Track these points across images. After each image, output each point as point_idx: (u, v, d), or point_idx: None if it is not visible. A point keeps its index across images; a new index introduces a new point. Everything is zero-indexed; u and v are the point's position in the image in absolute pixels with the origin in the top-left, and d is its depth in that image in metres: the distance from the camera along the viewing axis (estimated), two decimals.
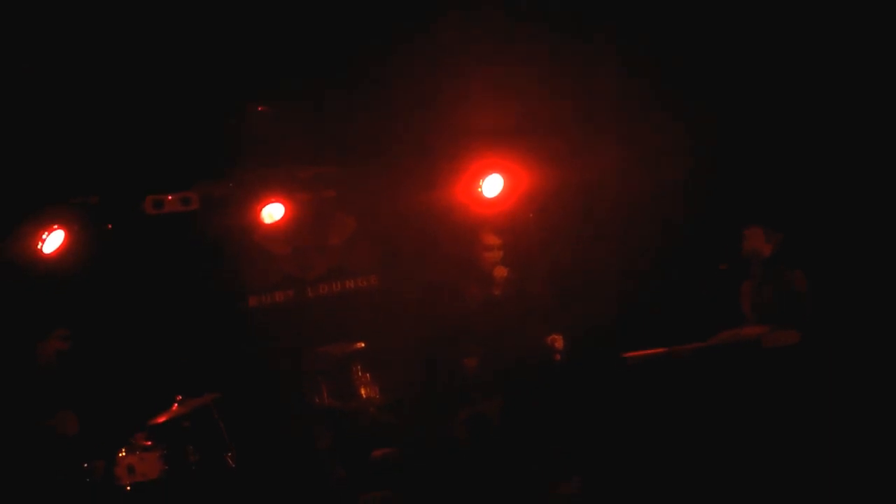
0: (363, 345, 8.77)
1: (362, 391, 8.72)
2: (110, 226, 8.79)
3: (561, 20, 7.43)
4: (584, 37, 7.45)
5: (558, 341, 7.64)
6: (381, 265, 9.94)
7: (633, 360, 7.20)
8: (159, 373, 8.62)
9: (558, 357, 7.64)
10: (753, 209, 7.58)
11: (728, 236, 7.44)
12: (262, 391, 9.20)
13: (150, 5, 6.88)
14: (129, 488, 7.70)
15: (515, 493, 7.42)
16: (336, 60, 7.62)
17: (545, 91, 7.99)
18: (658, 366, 7.12)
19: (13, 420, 7.62)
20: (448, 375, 7.88)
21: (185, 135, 8.15)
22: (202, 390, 8.26)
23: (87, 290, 8.95)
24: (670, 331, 7.38)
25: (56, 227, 8.53)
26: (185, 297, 9.27)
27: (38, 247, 8.50)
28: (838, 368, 6.88)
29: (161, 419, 7.97)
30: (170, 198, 8.65)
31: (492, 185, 8.71)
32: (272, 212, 9.10)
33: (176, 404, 8.09)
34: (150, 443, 7.92)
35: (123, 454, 7.77)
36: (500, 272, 7.93)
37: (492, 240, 7.95)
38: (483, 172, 8.69)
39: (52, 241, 8.54)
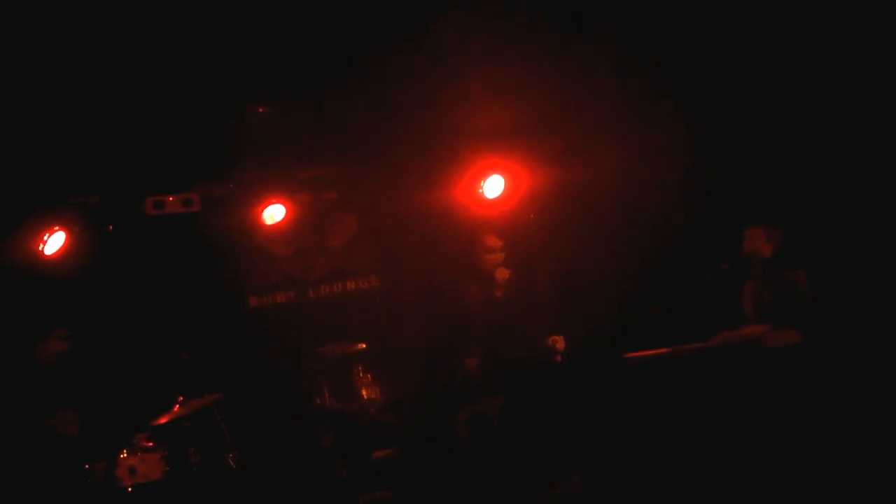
0: (364, 345, 8.77)
1: (363, 392, 8.72)
2: (111, 227, 8.80)
3: (561, 20, 7.42)
4: (584, 37, 7.44)
5: (559, 342, 7.64)
6: (382, 266, 9.94)
7: (633, 360, 7.20)
8: (160, 374, 8.61)
9: (559, 358, 7.64)
10: (753, 209, 7.58)
11: (728, 236, 7.44)
12: (264, 392, 9.20)
13: (150, 5, 6.87)
14: (130, 489, 7.70)
15: (515, 493, 7.42)
16: (336, 60, 7.61)
17: (545, 91, 7.99)
18: (659, 366, 7.12)
19: (13, 420, 7.63)
20: (448, 375, 7.88)
21: (186, 135, 8.16)
22: (203, 391, 8.26)
23: (88, 291, 8.97)
24: (671, 331, 7.38)
25: (57, 228, 8.55)
26: (186, 297, 9.28)
27: (40, 248, 8.52)
28: (839, 369, 6.87)
29: (162, 420, 7.97)
30: (171, 199, 8.66)
31: (492, 186, 8.71)
32: (273, 213, 9.11)
33: (177, 405, 8.09)
34: (151, 444, 7.92)
35: (125, 455, 7.77)
36: (502, 274, 7.94)
37: (493, 241, 7.95)
38: (484, 173, 8.69)
39: (54, 242, 8.55)
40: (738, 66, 7.78)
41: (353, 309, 9.81)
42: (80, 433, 7.88)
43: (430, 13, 7.20)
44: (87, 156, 8.14)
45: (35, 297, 8.58)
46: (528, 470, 7.53)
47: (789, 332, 6.98)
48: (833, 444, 6.63)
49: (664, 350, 7.13)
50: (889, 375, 7.02)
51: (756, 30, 7.51)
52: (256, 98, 8.14)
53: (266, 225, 9.19)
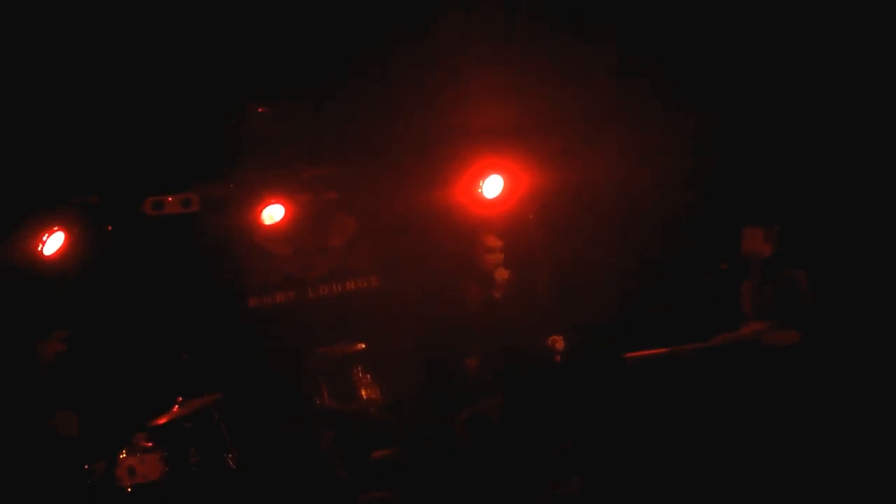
0: (364, 345, 8.76)
1: (363, 392, 8.71)
2: (110, 227, 8.80)
3: (561, 20, 7.42)
4: (584, 37, 7.44)
5: (559, 342, 7.63)
6: (382, 266, 9.93)
7: (633, 360, 7.20)
8: (160, 374, 8.61)
9: (558, 357, 7.64)
10: (753, 209, 7.58)
11: (728, 236, 7.43)
12: (263, 392, 9.20)
13: (150, 6, 6.87)
14: (129, 490, 7.70)
15: (515, 493, 7.42)
16: (336, 60, 7.61)
17: (545, 91, 7.99)
18: (658, 366, 7.12)
19: (13, 420, 7.63)
20: (448, 375, 7.88)
21: (186, 135, 8.16)
22: (203, 391, 8.25)
23: (88, 292, 8.96)
24: (670, 331, 7.39)
25: (56, 228, 8.55)
26: (185, 298, 9.28)
27: (39, 248, 8.52)
28: (838, 368, 6.88)
29: (162, 420, 7.96)
30: (170, 199, 8.65)
31: (492, 186, 8.70)
32: (272, 213, 9.10)
33: (177, 405, 8.08)
34: (150, 444, 7.92)
35: (124, 455, 7.77)
36: (502, 274, 7.93)
37: (493, 242, 7.95)
38: (483, 173, 8.69)
39: (53, 242, 8.55)
40: (738, 65, 7.79)
41: (353, 309, 9.80)
42: (80, 433, 7.88)
43: (430, 13, 7.21)
44: (87, 156, 8.14)
45: (34, 297, 8.58)
46: (527, 470, 7.53)
47: (789, 331, 6.98)
48: (833, 444, 6.63)
49: (664, 350, 7.14)
50: (889, 375, 7.03)
51: (756, 29, 7.52)
52: (256, 98, 8.14)
53: (265, 225, 9.18)
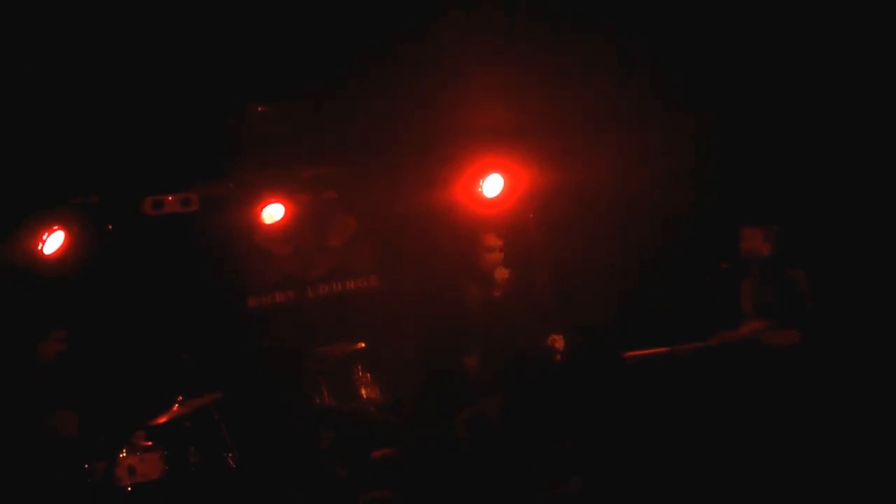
0: (363, 345, 8.77)
1: (363, 391, 8.71)
2: (110, 226, 8.80)
3: (561, 20, 7.42)
4: (584, 37, 7.44)
5: (558, 341, 7.64)
6: (382, 265, 9.93)
7: (633, 359, 7.21)
8: (160, 373, 8.61)
9: (558, 357, 7.64)
10: (753, 209, 7.59)
11: (728, 236, 7.44)
12: (263, 391, 9.20)
13: (150, 5, 6.87)
14: (129, 489, 7.69)
15: (515, 493, 7.42)
16: (336, 60, 7.61)
17: (545, 91, 7.98)
18: (658, 365, 7.13)
19: (13, 420, 7.63)
20: (448, 375, 7.89)
21: (185, 135, 8.15)
22: (203, 390, 8.25)
23: (88, 291, 8.96)
24: (670, 331, 7.39)
25: (56, 227, 8.54)
26: (185, 297, 9.27)
27: (39, 248, 8.52)
28: (838, 368, 6.88)
29: (162, 420, 7.96)
30: (169, 198, 8.65)
31: (492, 185, 8.70)
32: (272, 212, 9.10)
33: (176, 405, 8.08)
34: (150, 443, 7.92)
35: (124, 455, 7.76)
36: (502, 274, 7.94)
37: (493, 241, 7.96)
38: (483, 172, 8.69)
39: (53, 242, 8.55)
40: (737, 66, 7.78)
41: (353, 308, 9.80)
42: (80, 433, 7.88)
43: (430, 13, 7.20)
44: (87, 156, 8.13)
45: (34, 296, 8.58)
46: (527, 470, 7.54)
47: (789, 331, 6.99)
48: (832, 444, 6.64)
49: (663, 349, 7.14)
50: (889, 375, 7.04)
51: (756, 29, 7.52)
52: (256, 98, 8.13)
53: (265, 224, 9.18)
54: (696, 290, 7.52)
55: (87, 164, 8.21)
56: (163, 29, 7.06)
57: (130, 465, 7.72)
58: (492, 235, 8.00)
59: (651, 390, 7.19)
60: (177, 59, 7.39)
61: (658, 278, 8.28)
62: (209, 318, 9.33)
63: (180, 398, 8.12)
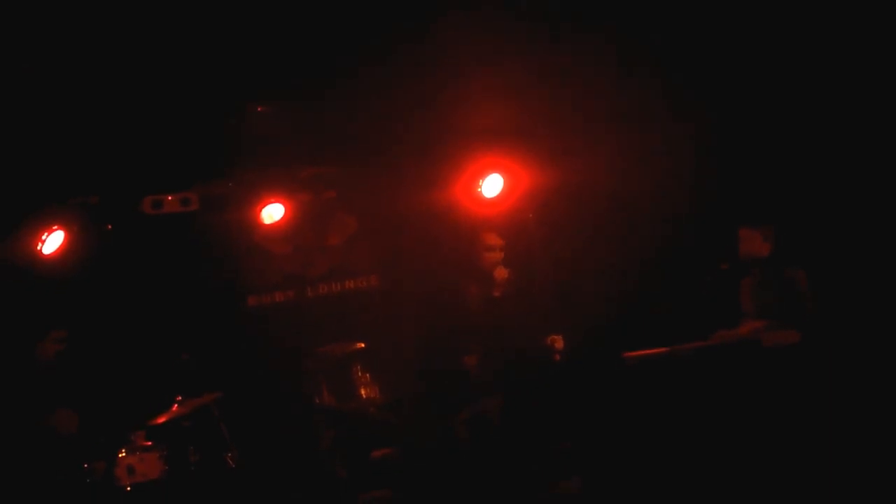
0: (363, 345, 8.77)
1: (362, 391, 8.72)
2: (110, 226, 8.80)
3: (561, 20, 7.42)
4: (584, 37, 7.44)
5: (558, 341, 7.63)
6: (382, 265, 9.93)
7: (633, 359, 7.20)
8: (160, 373, 8.61)
9: (558, 357, 7.64)
10: (753, 209, 7.59)
11: (728, 236, 7.44)
12: (263, 391, 9.20)
13: (150, 5, 6.87)
14: (129, 489, 7.69)
15: (515, 493, 7.42)
16: (336, 60, 7.61)
17: (545, 91, 7.98)
18: (658, 366, 7.12)
19: (13, 420, 7.63)
20: (448, 375, 7.87)
21: (185, 135, 8.15)
22: (202, 390, 8.25)
23: (87, 291, 8.96)
24: (670, 331, 7.39)
25: (56, 227, 8.54)
26: (185, 297, 9.28)
27: (38, 247, 8.52)
28: (838, 368, 6.88)
29: (161, 419, 7.97)
30: (169, 198, 8.65)
31: (492, 185, 8.70)
32: (272, 212, 9.10)
33: (176, 404, 8.08)
34: (150, 443, 7.92)
35: (123, 454, 7.76)
36: (501, 273, 7.93)
37: (493, 240, 7.95)
38: (483, 172, 8.69)
39: (52, 241, 8.55)
40: (738, 66, 7.79)
41: (353, 308, 9.81)
42: (80, 432, 7.87)
43: (430, 13, 7.20)
44: (87, 156, 8.13)
45: (34, 296, 8.57)
46: (527, 470, 7.53)
47: (789, 331, 6.99)
48: (832, 444, 6.63)
49: (663, 349, 7.14)
50: (889, 375, 7.03)
51: (756, 29, 7.52)
52: (256, 98, 8.13)
53: (265, 224, 9.18)
54: (696, 290, 7.52)
55: (86, 164, 8.21)
56: (163, 29, 7.06)
57: (130, 464, 7.73)
58: (492, 235, 7.99)
59: (651, 390, 7.17)
60: (177, 59, 7.38)
61: (658, 278, 8.29)
62: (209, 317, 9.34)
63: (180, 398, 8.13)
